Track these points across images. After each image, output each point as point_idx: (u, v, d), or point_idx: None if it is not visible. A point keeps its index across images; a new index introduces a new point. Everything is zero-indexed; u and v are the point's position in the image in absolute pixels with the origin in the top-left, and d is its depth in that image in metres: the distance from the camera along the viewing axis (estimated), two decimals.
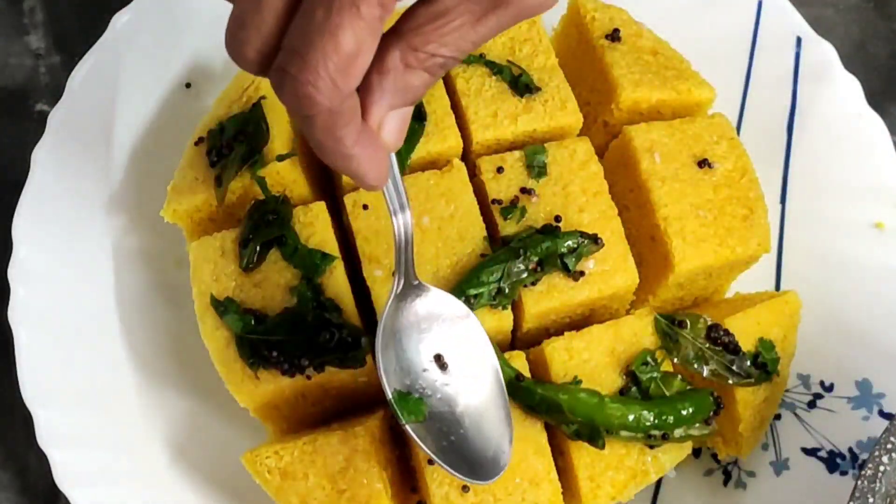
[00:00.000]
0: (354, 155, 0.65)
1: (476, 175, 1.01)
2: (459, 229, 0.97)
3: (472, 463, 0.84)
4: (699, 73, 1.09)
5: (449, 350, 0.86)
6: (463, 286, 0.93)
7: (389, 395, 0.83)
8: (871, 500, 0.83)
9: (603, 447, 0.92)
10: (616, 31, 1.07)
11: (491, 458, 0.85)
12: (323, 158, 0.65)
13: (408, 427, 0.83)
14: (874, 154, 1.09)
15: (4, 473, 1.11)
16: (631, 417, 0.93)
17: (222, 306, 0.95)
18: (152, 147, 1.12)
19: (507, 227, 0.98)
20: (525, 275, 0.95)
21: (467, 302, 0.93)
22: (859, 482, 0.83)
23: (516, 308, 0.97)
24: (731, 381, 0.99)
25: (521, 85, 1.02)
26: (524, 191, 0.99)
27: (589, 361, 0.96)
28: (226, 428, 1.08)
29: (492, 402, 0.87)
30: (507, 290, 0.94)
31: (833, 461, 1.02)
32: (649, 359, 0.97)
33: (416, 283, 0.86)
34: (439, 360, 0.86)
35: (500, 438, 0.86)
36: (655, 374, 0.96)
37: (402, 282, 0.85)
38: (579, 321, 1.02)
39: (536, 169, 1.00)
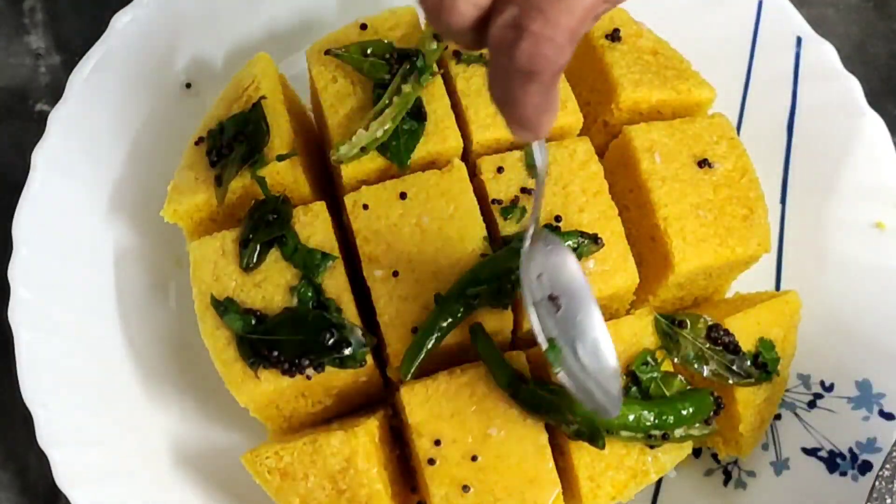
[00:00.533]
0: (554, 109, 0.66)
1: (476, 175, 1.01)
2: (459, 229, 0.97)
3: (596, 404, 0.86)
4: (699, 73, 1.09)
5: (560, 291, 0.88)
6: (463, 286, 0.93)
7: (545, 345, 0.85)
8: (889, 500, 0.82)
9: (603, 447, 0.92)
10: (616, 31, 1.07)
11: (613, 396, 0.87)
12: (517, 113, 0.65)
13: (560, 375, 0.86)
14: (874, 154, 1.09)
15: (4, 473, 1.11)
16: (631, 417, 0.93)
17: (222, 306, 0.95)
18: (152, 147, 1.12)
19: (507, 227, 0.98)
20: None
21: (467, 302, 0.93)
22: (876, 483, 0.83)
23: (516, 308, 0.97)
24: (731, 381, 0.99)
25: None
26: (524, 191, 0.99)
27: None
28: (226, 428, 1.08)
29: (600, 335, 0.88)
30: (507, 290, 0.94)
31: (833, 461, 1.02)
32: (649, 359, 0.97)
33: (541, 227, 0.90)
34: (554, 300, 0.87)
35: (615, 375, 0.87)
36: (655, 374, 0.96)
37: (534, 225, 0.87)
38: None
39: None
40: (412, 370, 0.92)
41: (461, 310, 0.93)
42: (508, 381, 0.93)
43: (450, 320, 0.93)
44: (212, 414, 1.08)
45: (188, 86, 1.14)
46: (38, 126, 1.09)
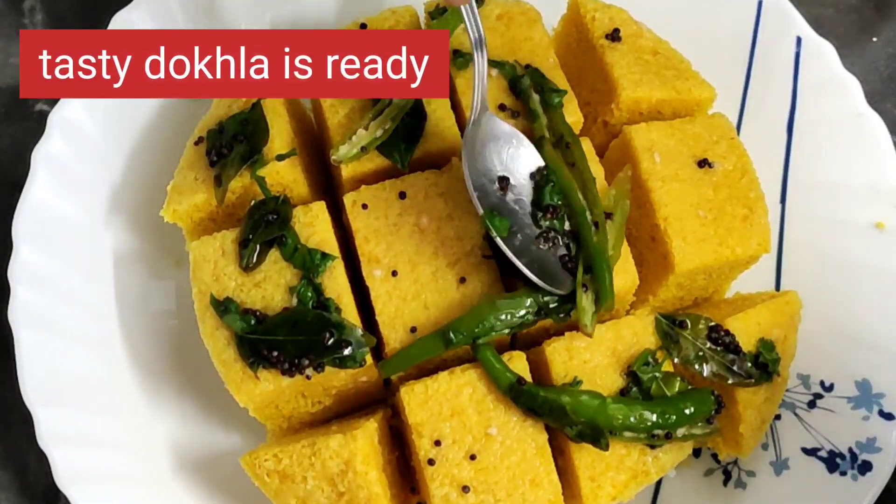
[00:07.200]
0: None
1: None
2: (459, 229, 0.97)
3: (547, 277, 0.92)
4: (699, 73, 1.09)
5: (509, 172, 0.93)
6: (473, 335, 0.94)
7: (481, 211, 0.90)
8: None
9: (606, 448, 0.92)
10: (616, 31, 1.07)
11: (562, 273, 0.93)
12: None
13: (499, 240, 0.90)
14: (874, 154, 1.09)
15: (4, 473, 1.11)
16: (633, 418, 0.93)
17: (222, 306, 0.95)
18: (152, 147, 1.12)
19: None
20: None
21: (476, 347, 0.94)
22: None
23: None
24: (731, 382, 0.99)
25: None
26: None
27: (589, 362, 0.96)
28: (226, 428, 1.08)
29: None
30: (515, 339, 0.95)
31: (833, 461, 1.02)
32: (650, 359, 0.97)
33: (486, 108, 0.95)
34: (502, 181, 0.92)
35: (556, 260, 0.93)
36: (656, 374, 0.96)
37: (478, 104, 0.94)
38: None
39: None
40: (394, 372, 0.95)
41: (467, 351, 0.95)
42: (509, 387, 0.93)
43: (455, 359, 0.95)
44: (211, 414, 1.08)
45: None
46: (38, 126, 1.08)
